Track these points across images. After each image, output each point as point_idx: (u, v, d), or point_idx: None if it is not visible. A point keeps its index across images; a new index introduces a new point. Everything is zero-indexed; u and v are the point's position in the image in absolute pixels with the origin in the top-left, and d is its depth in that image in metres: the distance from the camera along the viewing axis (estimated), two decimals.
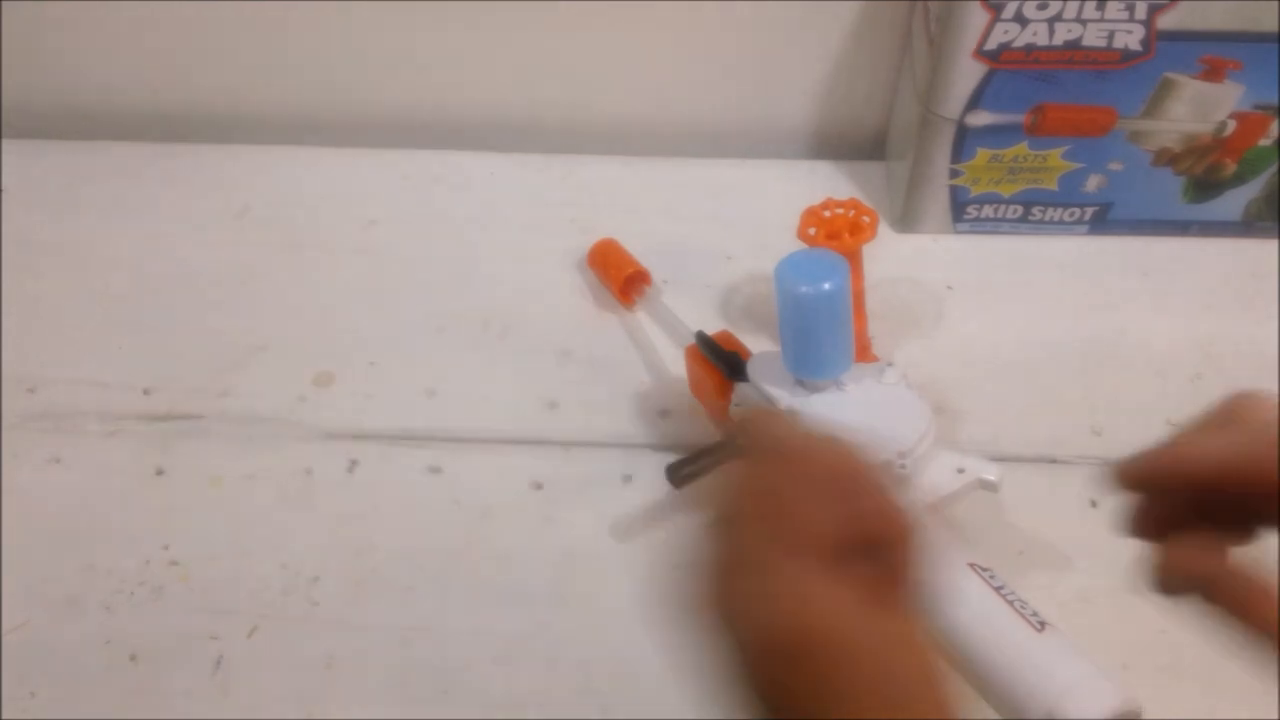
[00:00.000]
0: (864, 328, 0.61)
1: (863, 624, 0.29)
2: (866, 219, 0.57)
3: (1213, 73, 0.58)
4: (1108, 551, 0.43)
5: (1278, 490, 0.29)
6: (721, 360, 0.55)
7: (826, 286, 0.46)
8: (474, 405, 0.61)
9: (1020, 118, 0.62)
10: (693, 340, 0.57)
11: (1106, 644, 0.43)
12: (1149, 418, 0.58)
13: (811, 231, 0.57)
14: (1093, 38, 0.57)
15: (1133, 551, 0.32)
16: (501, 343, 0.64)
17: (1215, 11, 0.56)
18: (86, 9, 0.72)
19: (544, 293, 0.67)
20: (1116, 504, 0.33)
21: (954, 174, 0.65)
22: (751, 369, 0.52)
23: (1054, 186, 0.66)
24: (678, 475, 0.50)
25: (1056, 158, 0.64)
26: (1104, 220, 0.68)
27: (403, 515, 0.56)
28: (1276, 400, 0.31)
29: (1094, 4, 0.56)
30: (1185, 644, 0.47)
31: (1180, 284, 0.66)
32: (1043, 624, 0.43)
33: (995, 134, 0.63)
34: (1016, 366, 0.62)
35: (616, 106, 0.76)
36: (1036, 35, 0.57)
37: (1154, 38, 0.57)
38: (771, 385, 0.51)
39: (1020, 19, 0.57)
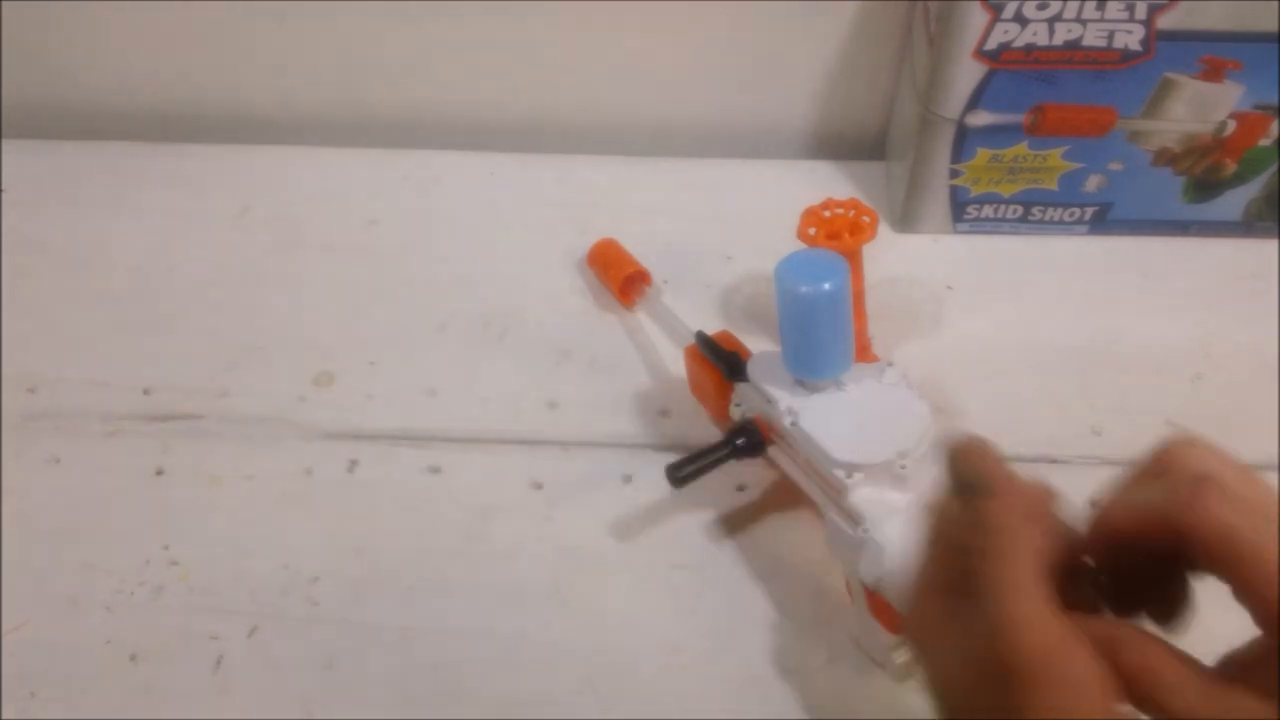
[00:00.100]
0: (864, 328, 0.61)
1: (1070, 650, 0.30)
2: (866, 219, 0.57)
3: (1212, 73, 0.58)
4: None
5: (1200, 541, 0.29)
6: (721, 360, 0.55)
7: (826, 286, 0.46)
8: (474, 405, 0.61)
9: (1020, 118, 0.62)
10: (693, 340, 0.57)
11: None
12: (1149, 418, 0.58)
13: (811, 231, 0.57)
14: (1093, 38, 0.57)
15: None
16: (501, 343, 0.64)
17: (1215, 11, 0.56)
18: (86, 9, 0.72)
19: (544, 293, 0.67)
20: None
21: (954, 174, 0.65)
22: (751, 369, 0.52)
23: (1054, 186, 0.66)
24: (678, 475, 0.50)
25: (1056, 158, 0.64)
26: (1104, 220, 0.68)
27: (403, 515, 0.56)
28: (1207, 448, 0.31)
29: (1094, 4, 0.56)
30: (1185, 644, 0.47)
31: (1180, 284, 0.66)
32: None
33: (995, 134, 0.63)
34: (1016, 366, 0.62)
35: (616, 106, 0.76)
36: (1036, 35, 0.57)
37: (1154, 38, 0.57)
38: (771, 385, 0.51)
39: (1020, 19, 0.57)
